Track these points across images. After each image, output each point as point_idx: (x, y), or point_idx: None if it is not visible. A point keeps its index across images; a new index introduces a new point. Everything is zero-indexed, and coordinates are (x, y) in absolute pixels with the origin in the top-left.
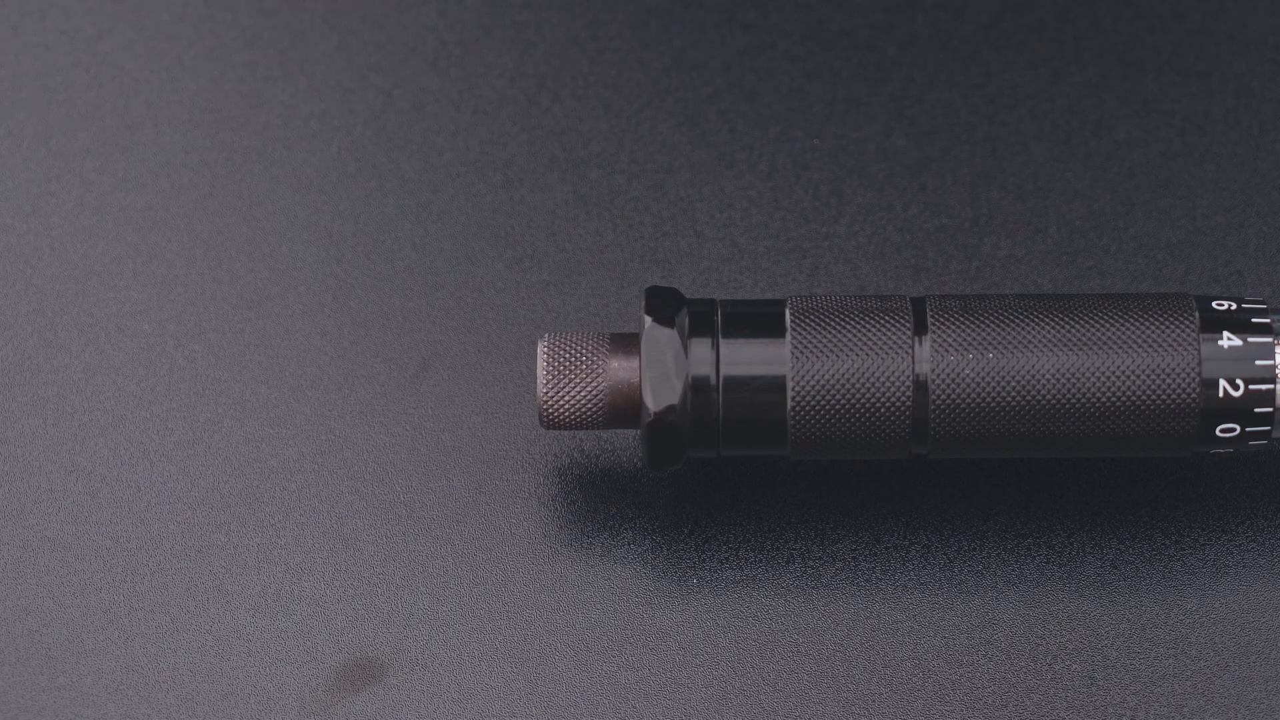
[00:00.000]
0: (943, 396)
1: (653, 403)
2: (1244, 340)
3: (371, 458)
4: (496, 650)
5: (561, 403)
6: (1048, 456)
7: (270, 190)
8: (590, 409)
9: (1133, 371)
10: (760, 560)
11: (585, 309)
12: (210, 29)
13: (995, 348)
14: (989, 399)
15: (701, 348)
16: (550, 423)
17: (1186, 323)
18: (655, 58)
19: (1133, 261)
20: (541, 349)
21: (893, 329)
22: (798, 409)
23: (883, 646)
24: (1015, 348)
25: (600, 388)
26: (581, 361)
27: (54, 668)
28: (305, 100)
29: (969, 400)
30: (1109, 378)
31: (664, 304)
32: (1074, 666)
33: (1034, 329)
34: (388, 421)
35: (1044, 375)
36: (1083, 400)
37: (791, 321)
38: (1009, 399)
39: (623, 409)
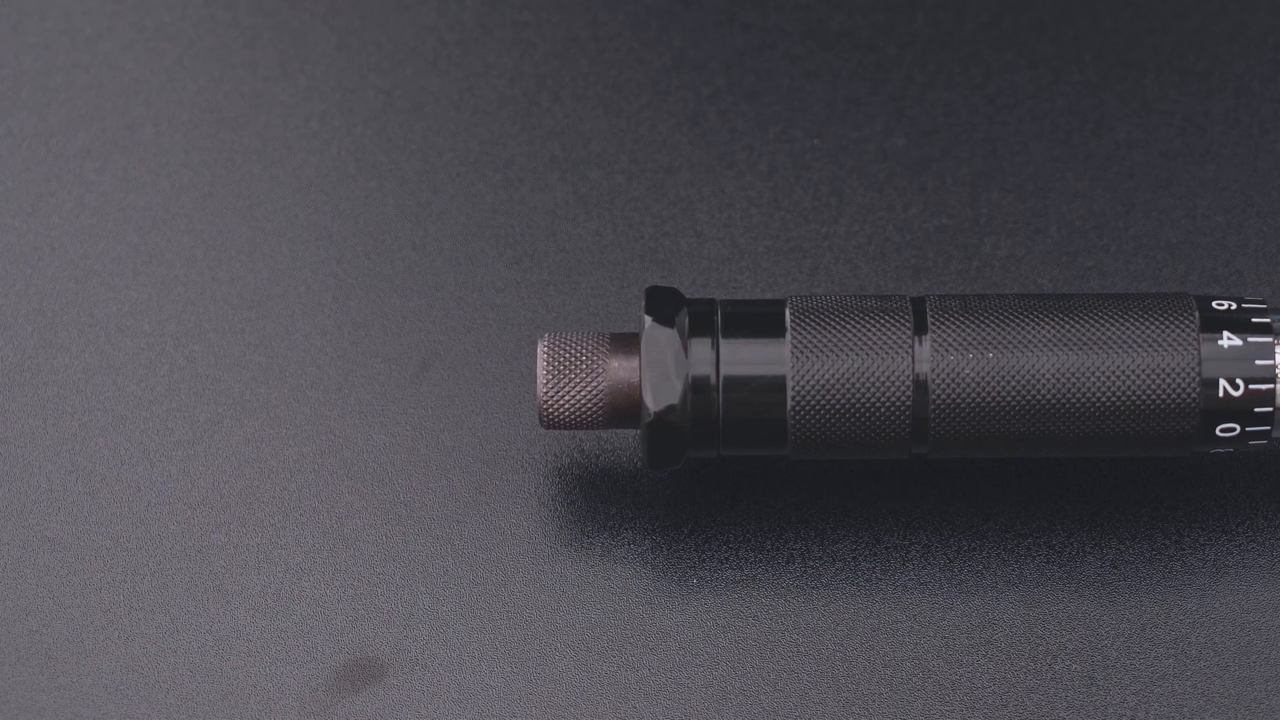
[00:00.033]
0: (943, 396)
1: (653, 403)
2: (1244, 340)
3: (371, 458)
4: (496, 650)
5: (561, 403)
6: (1048, 456)
7: (270, 190)
8: (590, 409)
9: (1133, 371)
10: (760, 560)
11: (585, 309)
12: (210, 29)
13: (995, 347)
14: (989, 399)
15: (701, 347)
16: (550, 423)
17: (1186, 322)
18: (655, 58)
19: (1133, 261)
20: (541, 349)
21: (893, 329)
22: (798, 409)
23: (883, 646)
24: (1015, 347)
25: (600, 388)
26: (581, 361)
27: (54, 668)
28: (305, 100)
29: (969, 400)
30: (1109, 377)
31: (664, 304)
32: (1074, 666)
33: (1034, 329)
34: (388, 421)
35: (1044, 375)
36: (1083, 400)
37: (791, 321)
38: (1009, 399)
39: (623, 409)
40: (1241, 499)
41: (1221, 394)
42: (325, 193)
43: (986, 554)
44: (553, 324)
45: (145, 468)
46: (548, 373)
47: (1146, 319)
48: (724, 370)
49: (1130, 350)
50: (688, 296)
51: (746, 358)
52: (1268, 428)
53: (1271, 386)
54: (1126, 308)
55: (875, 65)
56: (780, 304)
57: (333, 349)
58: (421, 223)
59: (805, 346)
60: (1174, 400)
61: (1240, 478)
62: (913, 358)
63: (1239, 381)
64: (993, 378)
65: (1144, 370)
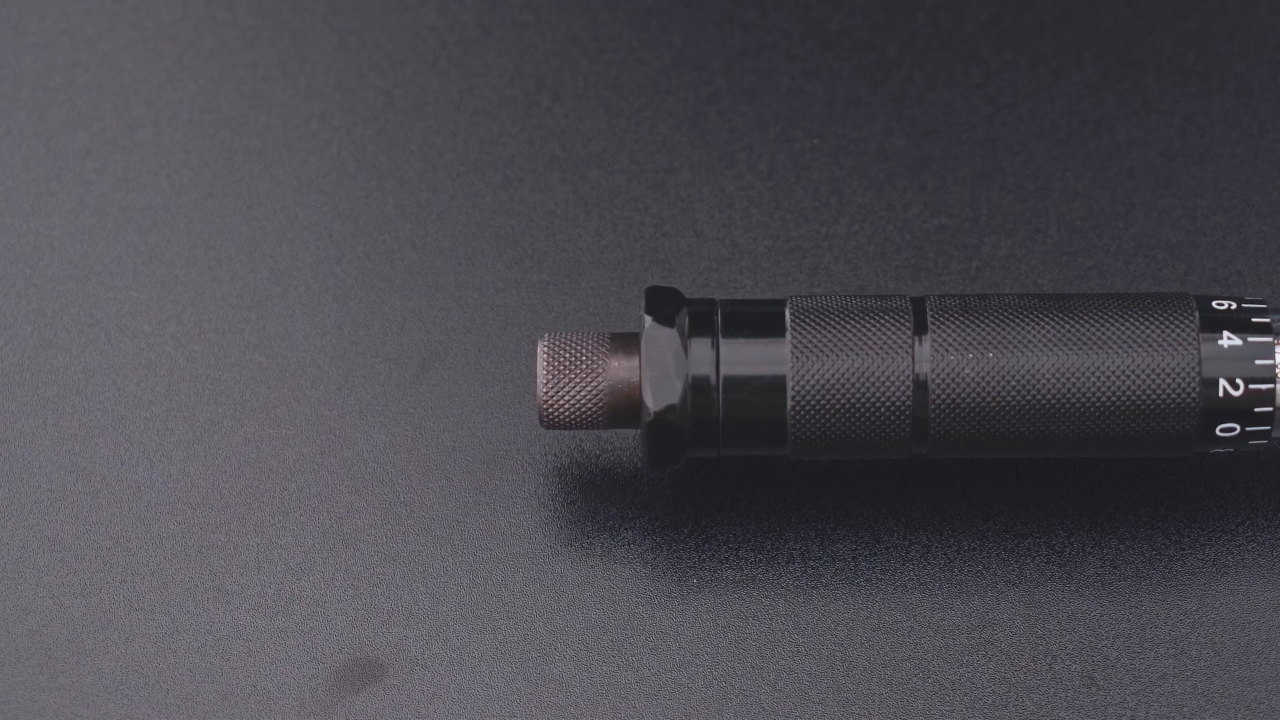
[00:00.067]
0: (943, 396)
1: (653, 402)
2: (1244, 340)
3: (371, 458)
4: (496, 650)
5: (561, 403)
6: (1048, 456)
7: (270, 190)
8: (590, 409)
9: (1133, 371)
10: (760, 560)
11: (585, 309)
12: (210, 29)
13: (995, 347)
14: (989, 399)
15: (701, 347)
16: (550, 423)
17: (1186, 322)
18: (655, 58)
19: (1133, 261)
20: (541, 349)
21: (893, 329)
22: (798, 409)
23: (883, 646)
24: (1015, 347)
25: (600, 388)
26: (581, 361)
27: (54, 668)
28: (305, 100)
29: (969, 400)
30: (1109, 377)
31: (664, 304)
32: (1074, 666)
33: (1034, 328)
34: (388, 421)
35: (1044, 375)
36: (1083, 400)
37: (791, 321)
38: (1009, 399)
39: (623, 409)
40: (1241, 499)
41: (1221, 394)
42: (325, 193)
43: (986, 554)
44: (553, 324)
45: (145, 468)
46: (548, 373)
47: (1146, 319)
48: (724, 370)
49: (1130, 350)
50: (688, 296)
51: (746, 358)
52: (1268, 428)
53: (1271, 386)
54: (1126, 307)
55: (875, 65)
56: (780, 304)
57: (333, 349)
58: (421, 223)
59: (805, 346)
60: (1174, 400)
61: (1240, 478)
62: (913, 358)
63: (1239, 381)
64: (993, 378)
65: (1144, 370)
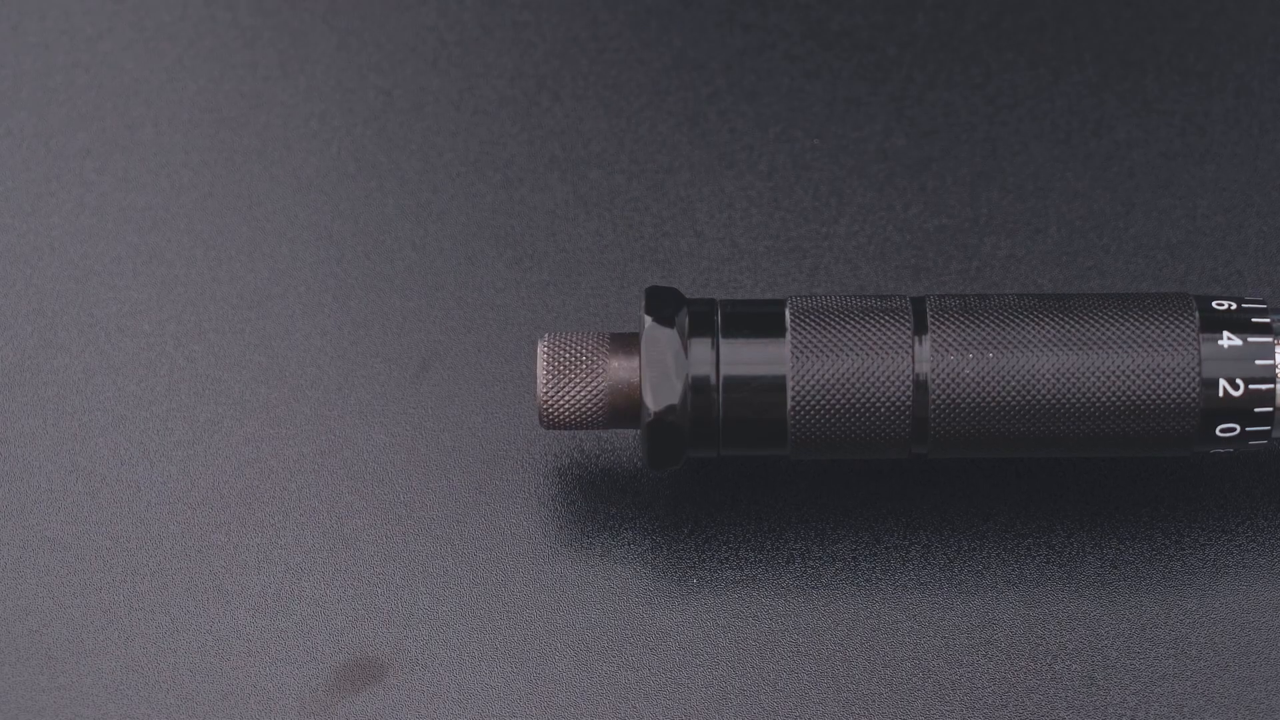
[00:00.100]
0: (943, 396)
1: (653, 403)
2: (1244, 340)
3: (371, 458)
4: (496, 650)
5: (561, 403)
6: (1048, 456)
7: (270, 190)
8: (590, 409)
9: (1133, 371)
10: (760, 560)
11: (585, 309)
12: (210, 29)
13: (995, 347)
14: (989, 399)
15: (701, 347)
16: (550, 423)
17: (1186, 322)
18: (655, 58)
19: (1133, 261)
20: (541, 349)
21: (893, 329)
22: (798, 409)
23: (883, 646)
24: (1015, 347)
25: (600, 388)
26: (581, 361)
27: (54, 668)
28: (305, 100)
29: (969, 400)
30: (1109, 377)
31: (664, 304)
32: (1074, 666)
33: (1034, 328)
34: (388, 421)
35: (1044, 375)
36: (1082, 400)
37: (791, 321)
38: (1009, 399)
39: (623, 409)
40: (1241, 499)
41: (1221, 394)
42: (325, 193)
43: (986, 554)
44: (553, 324)
45: (145, 468)
46: (548, 373)
47: (1146, 319)
48: (724, 370)
49: (1130, 350)
50: (688, 296)
51: (746, 358)
52: (1268, 428)
53: (1271, 386)
54: (1126, 308)
55: (875, 65)
56: (780, 304)
57: (333, 349)
58: (421, 223)
59: (805, 346)
60: (1174, 400)
61: (1240, 478)
62: (913, 358)
63: (1239, 381)
64: (993, 378)
65: (1144, 370)
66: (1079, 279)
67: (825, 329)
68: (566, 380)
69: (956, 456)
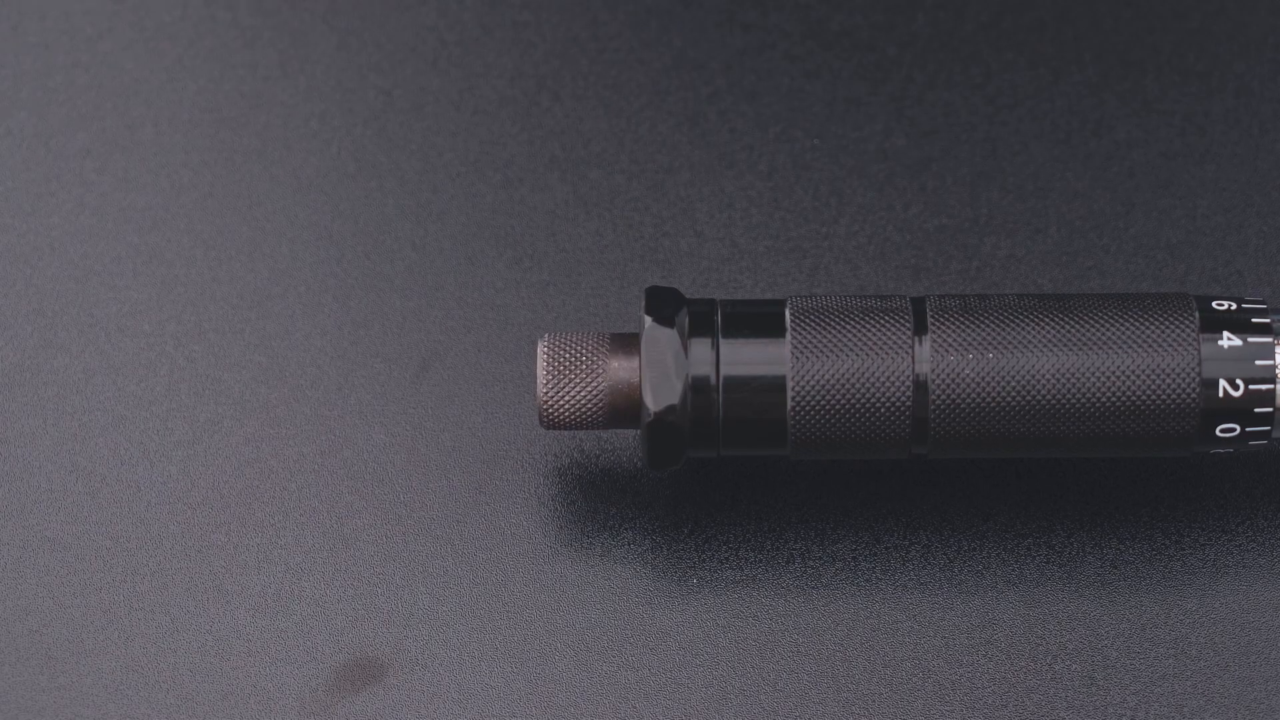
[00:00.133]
0: (943, 396)
1: (653, 403)
2: (1244, 340)
3: (371, 458)
4: (496, 650)
5: (561, 403)
6: (1048, 456)
7: (270, 190)
8: (590, 409)
9: (1133, 371)
10: (760, 560)
11: (585, 309)
12: (210, 29)
13: (995, 348)
14: (989, 399)
15: (701, 348)
16: (550, 423)
17: (1186, 323)
18: (655, 58)
19: (1133, 261)
20: (541, 349)
21: (893, 329)
22: (798, 409)
23: (883, 646)
24: (1015, 347)
25: (600, 388)
26: (581, 361)
27: (54, 668)
28: (305, 100)
29: (969, 400)
30: (1109, 377)
31: (664, 304)
32: (1074, 666)
33: (1034, 329)
34: (388, 421)
35: (1044, 375)
36: (1083, 400)
37: (791, 321)
38: (1009, 399)
39: (623, 409)
40: (1241, 499)
41: (1221, 394)
42: (325, 193)
43: (986, 554)
44: (553, 324)
45: (145, 468)
46: (548, 373)
47: (1146, 319)
48: (724, 370)
49: (1130, 350)
50: (688, 296)
51: (746, 358)
52: (1268, 428)
53: (1271, 387)
54: (1126, 308)
55: (875, 65)
56: (780, 304)
57: (333, 349)
58: (421, 223)
59: (805, 347)
60: (1174, 400)
61: (1240, 478)
62: (913, 358)
63: (1239, 382)
64: (993, 378)
65: (1144, 370)
66: (1079, 279)
67: (825, 329)
68: (566, 380)
69: (956, 457)
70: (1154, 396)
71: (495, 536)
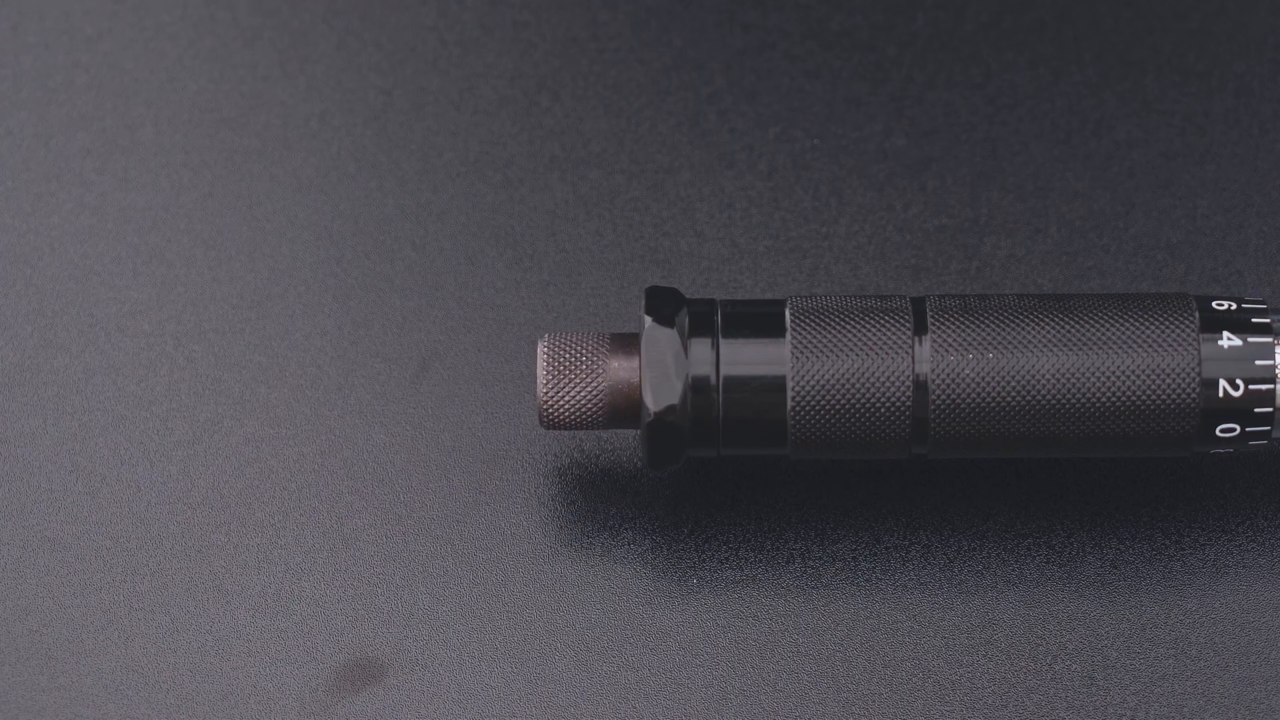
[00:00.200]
0: (943, 396)
1: (653, 402)
2: (1244, 340)
3: (371, 458)
4: (496, 650)
5: (561, 403)
6: (1048, 456)
7: (270, 190)
8: (590, 409)
9: (1133, 371)
10: (760, 560)
11: (585, 309)
12: (210, 29)
13: (995, 348)
14: (989, 399)
15: (701, 347)
16: (550, 423)
17: (1186, 322)
18: (655, 58)
19: (1133, 261)
20: (541, 349)
21: (893, 329)
22: (798, 409)
23: (883, 646)
24: (1015, 347)
25: (600, 388)
26: (581, 361)
27: (54, 668)
28: (305, 100)
29: (969, 400)
30: (1109, 377)
31: (664, 304)
32: (1074, 666)
33: (1034, 329)
34: (388, 421)
35: (1044, 375)
36: (1083, 400)
37: (791, 321)
38: (1009, 399)
39: (623, 409)
40: (1241, 499)
41: (1221, 394)
42: (325, 193)
43: (986, 554)
44: (553, 324)
45: (145, 468)
46: (548, 373)
47: (1146, 319)
48: (724, 370)
49: (1130, 350)
50: (688, 296)
51: (746, 358)
52: (1268, 428)
53: (1271, 387)
54: (1126, 308)
55: (875, 65)
56: (780, 304)
57: (333, 349)
58: (421, 223)
59: (805, 346)
60: (1174, 400)
61: (1240, 478)
62: (913, 358)
63: (1239, 382)
64: (993, 378)
65: (1144, 370)
66: (1079, 279)
67: (825, 329)
68: (566, 380)
69: (956, 456)
70: (1154, 396)
71: (495, 536)
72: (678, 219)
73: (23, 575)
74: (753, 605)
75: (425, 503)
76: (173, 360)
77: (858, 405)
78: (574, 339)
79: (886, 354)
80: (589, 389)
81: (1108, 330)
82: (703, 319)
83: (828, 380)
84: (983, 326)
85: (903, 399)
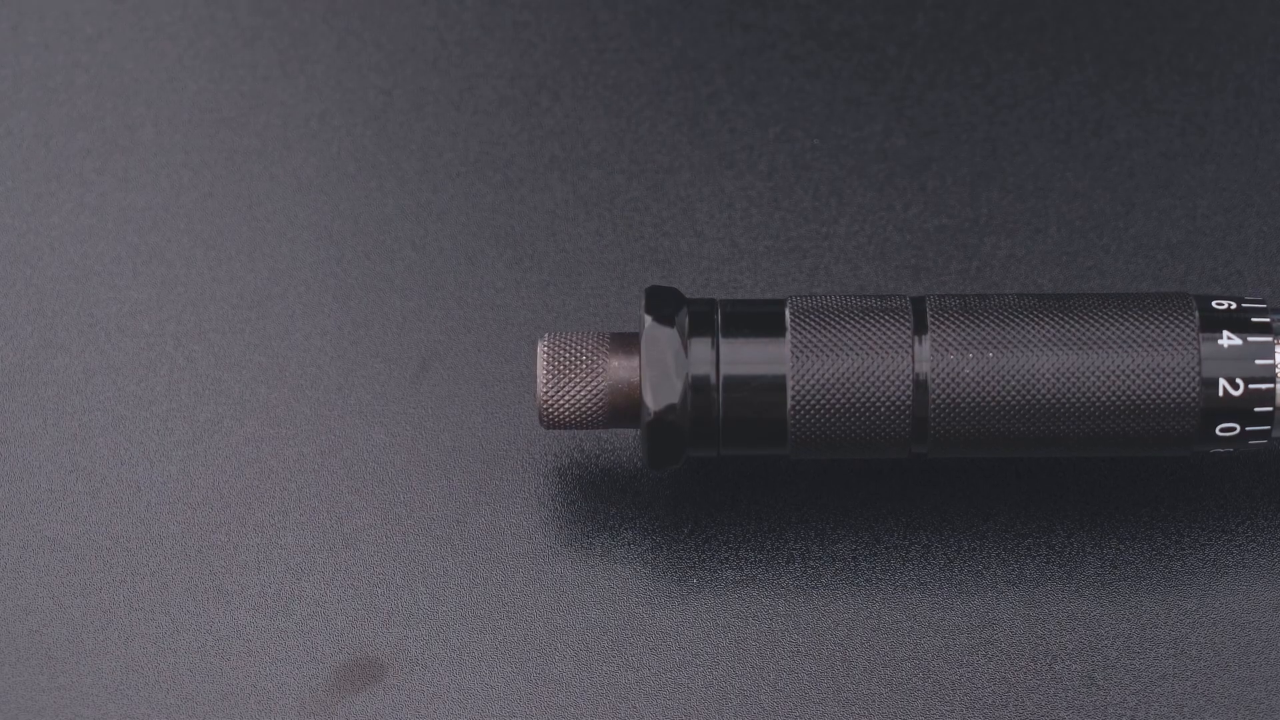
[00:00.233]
0: (942, 396)
1: (653, 402)
2: (1244, 339)
3: (371, 458)
4: (496, 650)
5: (561, 402)
6: (1048, 456)
7: (270, 190)
8: (590, 409)
9: (1133, 371)
10: (760, 560)
11: (585, 309)
12: (210, 29)
13: (995, 347)
14: (989, 398)
15: (701, 347)
16: (550, 422)
17: (1186, 322)
18: (655, 58)
19: (1133, 261)
20: (541, 349)
21: (892, 328)
22: (797, 408)
23: (883, 646)
24: (1015, 347)
25: (600, 387)
26: (581, 361)
27: (54, 668)
28: (305, 100)
29: (969, 399)
30: (1109, 377)
31: (664, 303)
32: (1074, 666)
33: (1034, 328)
34: (388, 421)
35: (1044, 374)
36: (1082, 399)
37: (791, 321)
38: (1009, 398)
39: (623, 408)
40: (1241, 499)
41: (1221, 393)
42: (325, 193)
43: (986, 554)
44: (553, 324)
45: (145, 468)
46: (548, 373)
47: (1146, 318)
48: (724, 370)
49: (1130, 350)
50: (688, 296)
51: (746, 357)
52: (1268, 427)
53: (1271, 386)
54: (1126, 307)
55: (875, 65)
56: (780, 304)
57: (333, 349)
58: (421, 223)
59: (805, 346)
60: (1174, 400)
61: (1240, 478)
62: (913, 357)
63: (1239, 381)
64: (993, 377)
65: (1144, 370)
66: (1079, 279)
67: (825, 329)
68: (566, 380)
69: (956, 456)
70: (1154, 396)
71: (495, 536)
72: (678, 219)
73: (23, 575)
74: (753, 605)
75: (425, 503)
76: (173, 360)
77: (858, 404)
78: (574, 339)
79: (886, 353)
80: (589, 388)
81: (1108, 329)
82: (703, 318)
83: (828, 379)
84: (983, 326)
85: (903, 398)
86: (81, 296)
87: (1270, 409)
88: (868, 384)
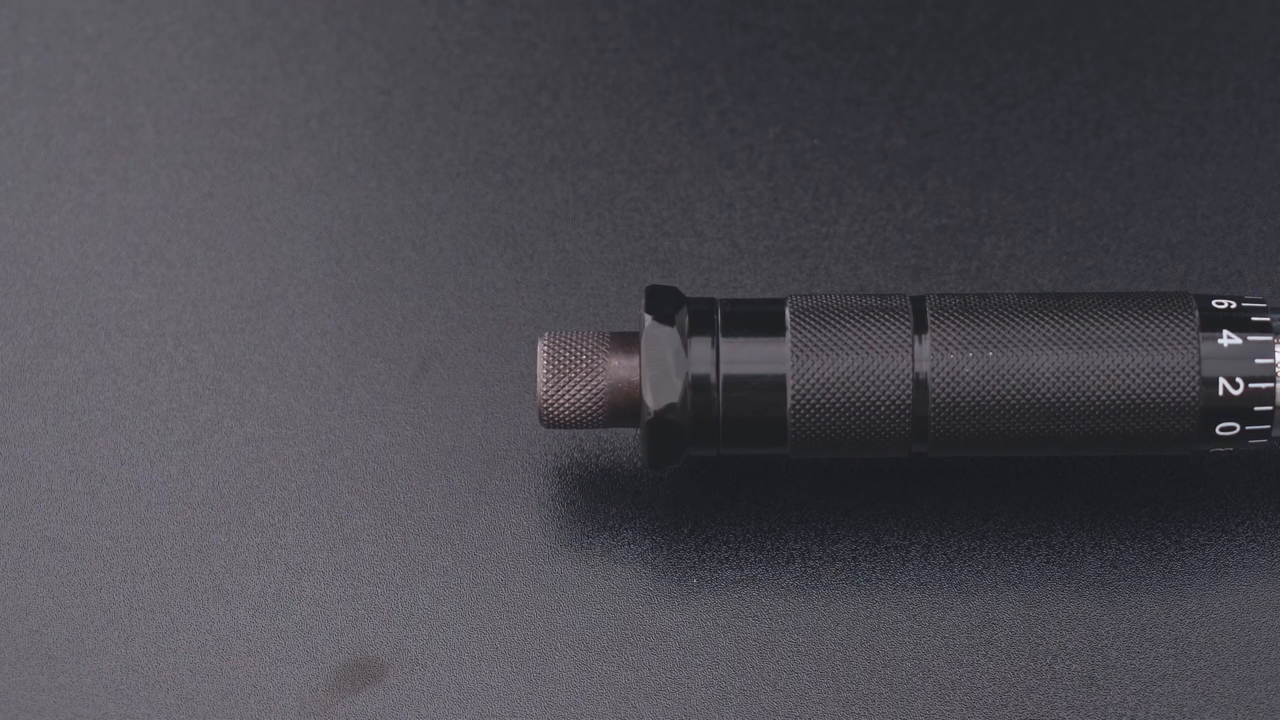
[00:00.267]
0: (943, 395)
1: (653, 401)
2: (1244, 339)
3: (371, 458)
4: (496, 650)
5: (561, 402)
6: (1048, 455)
7: (270, 190)
8: (590, 408)
9: (1133, 370)
10: (760, 560)
11: (585, 309)
12: (210, 29)
13: (995, 346)
14: (989, 397)
15: (701, 346)
16: (550, 422)
17: (1186, 321)
18: (655, 58)
19: (1133, 261)
20: (541, 348)
21: (892, 327)
22: (797, 408)
23: (883, 646)
24: (1015, 346)
25: (600, 386)
26: (581, 360)
27: (54, 668)
28: (305, 100)
29: (969, 399)
30: (1109, 376)
31: (664, 302)
32: (1074, 666)
33: (1034, 327)
34: (388, 421)
35: (1044, 374)
36: (1083, 398)
37: (791, 320)
38: (1009, 397)
39: (623, 408)
40: (1241, 499)
41: (1221, 393)
42: (325, 193)
43: (986, 554)
44: (553, 324)
45: (145, 468)
46: (548, 372)
47: (1146, 317)
48: (724, 369)
49: (1130, 349)
50: (688, 296)
51: (746, 356)
52: (1267, 426)
53: (1271, 385)
54: (1126, 306)
55: (875, 65)
56: (780, 303)
57: (333, 349)
58: (421, 223)
59: (805, 345)
60: (1174, 399)
61: (1240, 477)
62: (913, 356)
63: (1239, 380)
64: (993, 376)
65: (1144, 369)
66: (1079, 279)
67: (825, 328)
68: (566, 379)
69: (956, 455)
70: (1154, 395)
71: (495, 536)
72: (678, 219)
73: (23, 575)
74: (753, 605)
75: (425, 503)
76: (173, 360)
77: (858, 404)
78: (574, 338)
79: (886, 352)
80: (589, 388)
81: (1108, 329)
82: (703, 318)
83: (828, 379)
84: (982, 325)
85: (903, 397)
86: (81, 296)
87: (1270, 408)
88: (868, 383)
